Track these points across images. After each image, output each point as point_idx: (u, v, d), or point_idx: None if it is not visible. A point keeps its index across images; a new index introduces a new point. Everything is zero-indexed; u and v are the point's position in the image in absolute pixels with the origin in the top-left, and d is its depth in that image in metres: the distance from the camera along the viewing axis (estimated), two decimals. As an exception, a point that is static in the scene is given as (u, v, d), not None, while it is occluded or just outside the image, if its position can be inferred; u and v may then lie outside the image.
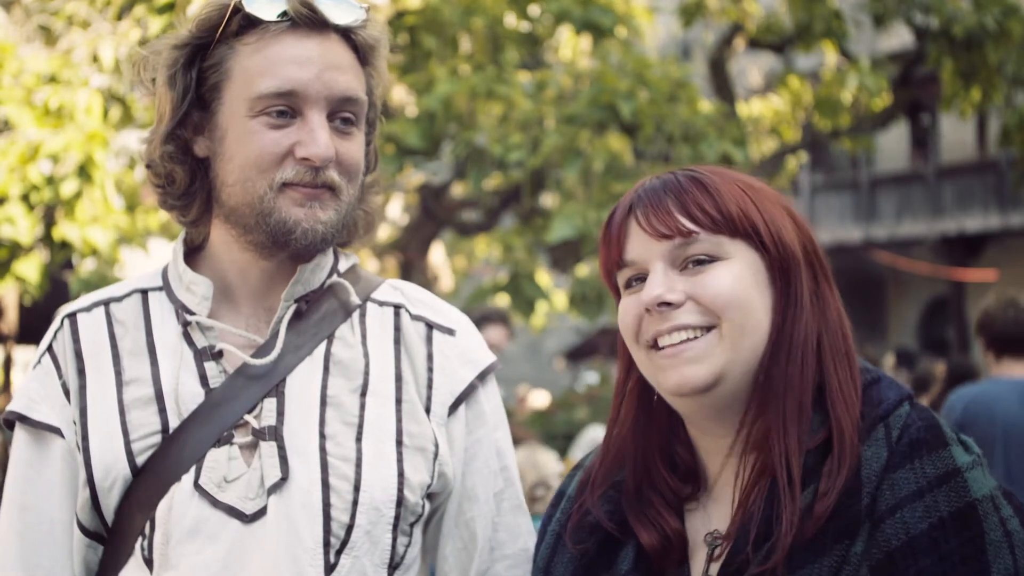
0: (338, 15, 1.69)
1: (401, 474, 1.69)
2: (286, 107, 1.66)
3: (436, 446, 1.74)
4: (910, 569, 1.41)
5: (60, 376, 1.73)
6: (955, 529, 1.41)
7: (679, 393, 1.55)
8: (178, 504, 1.63)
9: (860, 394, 1.54)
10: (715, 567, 1.54)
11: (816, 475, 1.48)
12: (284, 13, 1.67)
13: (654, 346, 1.57)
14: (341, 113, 1.69)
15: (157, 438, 1.66)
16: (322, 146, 1.65)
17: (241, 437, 1.66)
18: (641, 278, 1.59)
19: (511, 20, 8.04)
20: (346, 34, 1.71)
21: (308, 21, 1.67)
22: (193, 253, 1.81)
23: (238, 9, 1.67)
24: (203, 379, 1.69)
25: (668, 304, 1.54)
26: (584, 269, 8.81)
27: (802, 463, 1.49)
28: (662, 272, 1.55)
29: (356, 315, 1.79)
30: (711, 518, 1.61)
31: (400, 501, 1.68)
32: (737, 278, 1.54)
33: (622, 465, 1.68)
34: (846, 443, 1.48)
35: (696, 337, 1.54)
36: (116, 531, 1.67)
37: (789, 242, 1.57)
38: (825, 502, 1.45)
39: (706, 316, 1.53)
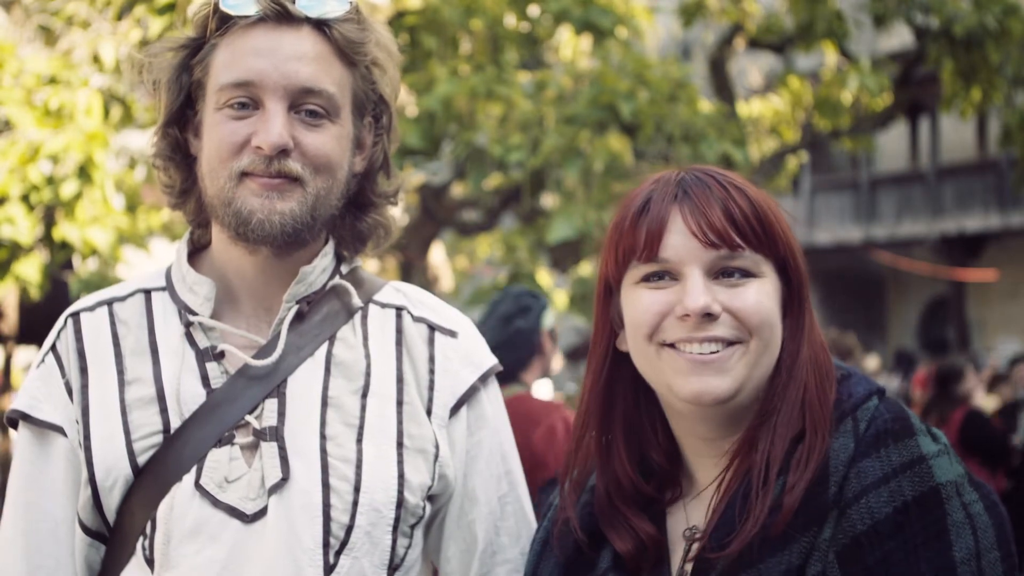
0: (310, 7, 1.69)
1: (401, 475, 1.69)
2: (247, 98, 1.66)
3: (437, 448, 1.74)
4: (875, 552, 1.42)
5: (63, 375, 1.73)
6: (918, 513, 1.43)
7: (698, 402, 1.55)
8: (179, 504, 1.63)
9: (836, 395, 1.57)
10: (690, 564, 1.56)
11: (787, 466, 1.51)
12: (258, 9, 1.68)
13: (669, 345, 1.57)
14: (305, 105, 1.68)
15: (158, 438, 1.66)
16: (273, 134, 1.64)
17: (242, 437, 1.67)
18: (663, 275, 1.57)
19: (511, 20, 8.02)
20: (323, 29, 1.70)
21: (276, 14, 1.68)
22: (197, 253, 1.82)
23: (217, 8, 1.69)
24: (204, 380, 1.70)
25: (710, 315, 1.54)
26: (585, 269, 8.81)
27: (780, 465, 1.51)
28: (702, 280, 1.54)
29: (358, 317, 1.79)
30: (692, 517, 1.63)
31: (400, 503, 1.68)
32: (769, 298, 1.56)
33: (592, 470, 1.69)
34: (818, 438, 1.51)
35: (721, 349, 1.55)
36: (118, 531, 1.68)
37: (803, 268, 1.61)
38: (793, 495, 1.47)
39: (740, 331, 1.54)
